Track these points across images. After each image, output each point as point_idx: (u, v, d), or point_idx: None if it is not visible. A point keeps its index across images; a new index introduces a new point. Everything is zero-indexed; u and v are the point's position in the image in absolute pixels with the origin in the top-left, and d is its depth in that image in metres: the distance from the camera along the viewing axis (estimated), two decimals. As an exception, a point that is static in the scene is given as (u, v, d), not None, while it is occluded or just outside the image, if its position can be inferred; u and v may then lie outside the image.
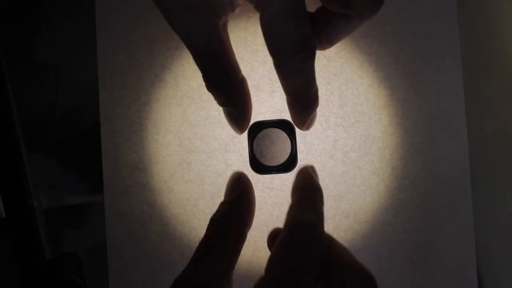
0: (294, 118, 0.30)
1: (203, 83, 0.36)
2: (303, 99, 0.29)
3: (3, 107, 0.36)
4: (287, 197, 0.36)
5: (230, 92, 0.29)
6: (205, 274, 0.26)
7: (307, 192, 0.28)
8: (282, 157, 0.34)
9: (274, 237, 0.30)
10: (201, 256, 0.27)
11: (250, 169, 0.33)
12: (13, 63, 0.38)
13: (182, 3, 0.26)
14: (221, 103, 0.30)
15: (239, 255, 0.28)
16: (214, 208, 0.36)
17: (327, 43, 0.29)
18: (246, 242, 0.29)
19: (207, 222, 0.36)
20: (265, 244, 0.36)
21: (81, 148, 0.42)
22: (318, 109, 0.36)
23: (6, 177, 0.36)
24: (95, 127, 0.40)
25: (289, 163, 0.33)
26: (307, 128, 0.31)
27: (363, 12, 0.27)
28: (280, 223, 0.36)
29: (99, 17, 0.36)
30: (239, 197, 0.30)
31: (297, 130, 0.33)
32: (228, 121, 0.31)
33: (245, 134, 0.35)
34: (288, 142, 0.33)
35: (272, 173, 0.33)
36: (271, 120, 0.33)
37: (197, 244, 0.36)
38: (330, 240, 0.29)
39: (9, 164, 0.36)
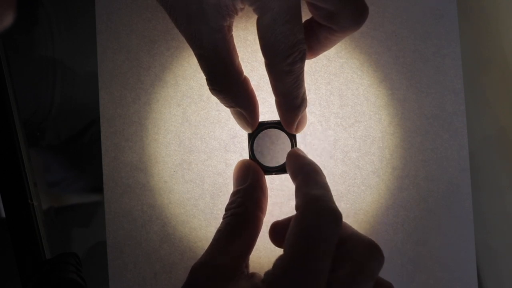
0: (282, 119, 0.31)
1: (203, 83, 0.36)
2: (291, 100, 0.30)
3: (3, 107, 0.36)
4: (287, 197, 0.36)
5: (235, 93, 0.30)
6: (223, 259, 0.27)
7: (308, 170, 0.29)
8: (282, 157, 0.34)
9: (276, 230, 0.30)
10: (219, 242, 0.28)
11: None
12: (13, 62, 0.38)
13: (189, 6, 0.27)
14: (227, 105, 0.31)
15: (256, 241, 0.29)
16: (214, 208, 0.36)
17: (311, 54, 0.31)
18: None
19: (207, 222, 0.36)
20: (266, 244, 0.36)
21: (81, 148, 0.42)
22: (318, 109, 0.36)
23: (6, 177, 0.36)
24: (94, 125, 0.40)
25: None
26: (297, 130, 0.32)
27: (346, 27, 0.29)
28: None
29: (99, 17, 0.36)
30: (252, 185, 0.30)
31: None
32: (237, 121, 0.32)
33: (245, 134, 0.35)
34: (288, 142, 0.33)
35: (272, 174, 0.33)
36: (271, 120, 0.33)
37: (197, 244, 0.36)
38: None
39: (9, 163, 0.36)
